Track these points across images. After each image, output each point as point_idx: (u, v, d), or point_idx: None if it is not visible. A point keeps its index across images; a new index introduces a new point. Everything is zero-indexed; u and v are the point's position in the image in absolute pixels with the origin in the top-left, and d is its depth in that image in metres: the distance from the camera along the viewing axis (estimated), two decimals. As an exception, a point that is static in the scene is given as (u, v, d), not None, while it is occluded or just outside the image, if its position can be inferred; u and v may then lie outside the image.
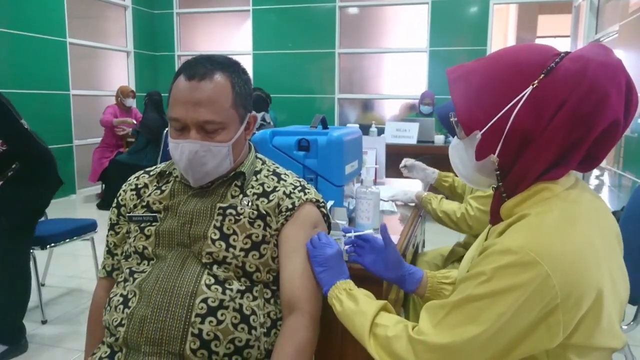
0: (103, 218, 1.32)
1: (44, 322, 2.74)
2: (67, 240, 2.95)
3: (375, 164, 2.61)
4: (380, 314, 1.00)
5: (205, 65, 1.12)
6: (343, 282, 1.10)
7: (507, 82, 0.84)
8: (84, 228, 3.09)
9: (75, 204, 5.95)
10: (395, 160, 3.87)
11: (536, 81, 0.82)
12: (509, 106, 0.83)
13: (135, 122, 5.92)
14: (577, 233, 0.81)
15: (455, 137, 0.97)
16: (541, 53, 0.85)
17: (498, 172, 0.89)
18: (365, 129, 4.77)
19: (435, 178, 2.33)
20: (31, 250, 2.61)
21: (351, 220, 1.69)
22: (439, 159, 5.04)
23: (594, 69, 0.80)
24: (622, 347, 0.90)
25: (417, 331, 0.89)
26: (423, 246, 2.61)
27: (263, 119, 5.27)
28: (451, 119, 0.95)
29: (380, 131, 5.03)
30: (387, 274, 1.21)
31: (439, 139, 5.07)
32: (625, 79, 0.82)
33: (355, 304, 1.03)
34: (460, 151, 0.96)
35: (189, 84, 1.10)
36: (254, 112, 1.23)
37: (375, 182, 2.51)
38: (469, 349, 0.82)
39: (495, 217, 0.96)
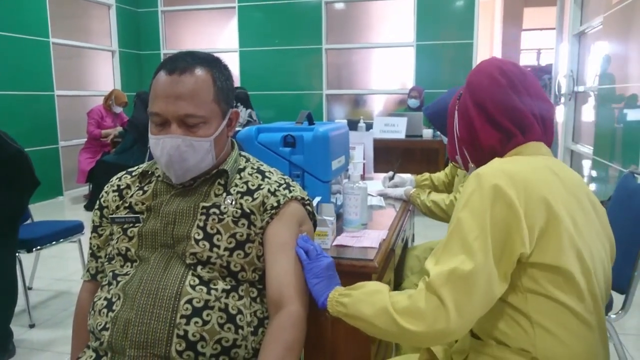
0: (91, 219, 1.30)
1: (31, 326, 2.71)
2: (54, 242, 2.90)
3: (363, 159, 2.60)
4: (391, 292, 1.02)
5: (186, 60, 1.11)
6: (340, 287, 1.10)
7: (450, 118, 1.20)
8: (71, 230, 3.05)
9: (62, 206, 5.88)
10: (384, 155, 3.87)
11: (456, 106, 1.16)
12: (455, 128, 1.16)
13: (120, 127, 5.89)
14: (529, 166, 0.98)
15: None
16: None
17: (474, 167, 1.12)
18: (353, 125, 4.78)
19: (414, 182, 2.32)
20: (17, 254, 2.57)
21: (339, 216, 1.68)
22: (427, 152, 5.09)
23: (469, 77, 1.14)
24: (594, 292, 0.97)
25: (429, 275, 0.95)
26: (412, 240, 2.61)
27: (250, 117, 5.24)
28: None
29: (369, 126, 5.03)
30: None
31: (427, 133, 5.08)
32: (490, 64, 1.12)
33: (364, 288, 1.04)
34: None
35: (169, 77, 1.08)
36: (239, 108, 1.21)
37: (363, 178, 2.50)
38: (470, 266, 0.90)
39: None
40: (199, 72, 1.10)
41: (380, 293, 1.00)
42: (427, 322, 0.91)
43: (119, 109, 6.00)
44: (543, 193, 0.93)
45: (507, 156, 1.06)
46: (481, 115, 1.08)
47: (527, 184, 0.93)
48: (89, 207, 5.51)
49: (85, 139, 5.94)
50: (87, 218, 3.80)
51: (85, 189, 6.16)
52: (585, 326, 0.96)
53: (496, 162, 1.01)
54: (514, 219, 0.91)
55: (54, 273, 3.53)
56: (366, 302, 1.00)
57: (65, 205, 5.92)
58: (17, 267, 2.54)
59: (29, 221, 3.09)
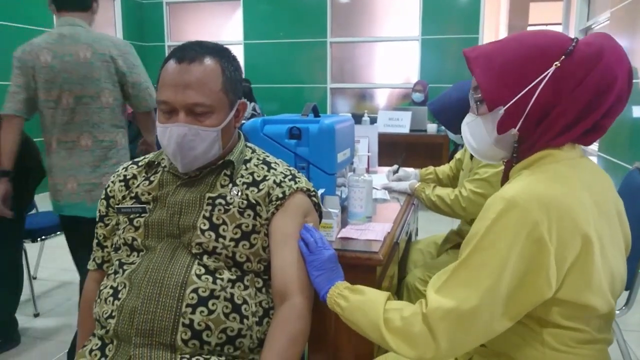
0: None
1: (36, 315, 2.73)
2: (59, 232, 2.92)
3: (368, 152, 2.60)
4: (389, 301, 1.01)
5: (195, 49, 1.11)
6: (341, 282, 1.10)
7: (531, 62, 0.90)
8: (75, 220, 3.06)
9: (66, 197, 5.89)
10: (388, 149, 3.87)
11: (558, 62, 0.89)
12: (533, 83, 0.89)
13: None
14: (564, 186, 0.88)
15: (470, 114, 1.03)
16: (558, 37, 0.93)
17: (516, 145, 0.95)
18: (357, 118, 4.78)
19: (418, 176, 2.32)
20: (22, 243, 2.58)
21: (344, 209, 1.69)
22: (431, 147, 5.08)
23: (608, 53, 0.89)
24: (610, 314, 0.94)
25: (427, 304, 0.91)
26: (416, 234, 2.61)
27: (254, 109, 5.24)
28: (471, 93, 1.00)
29: (373, 120, 5.02)
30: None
31: (431, 127, 5.06)
32: (629, 62, 0.92)
33: (362, 295, 1.03)
34: (476, 127, 1.00)
35: (178, 66, 1.09)
36: (244, 100, 1.22)
37: (367, 171, 2.50)
38: (473, 304, 0.85)
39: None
40: (208, 61, 1.10)
41: (377, 305, 0.99)
42: (417, 350, 0.91)
43: None
44: (579, 221, 0.84)
45: (540, 155, 0.93)
46: (584, 105, 0.89)
47: (563, 214, 0.84)
48: (93, 198, 5.52)
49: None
50: (91, 209, 3.79)
51: (89, 180, 6.17)
52: (597, 344, 0.95)
53: (528, 183, 0.88)
54: (541, 254, 0.83)
55: (59, 263, 3.54)
56: (361, 311, 1.01)
57: (69, 196, 5.93)
58: (23, 256, 2.55)
59: (33, 211, 3.10)
